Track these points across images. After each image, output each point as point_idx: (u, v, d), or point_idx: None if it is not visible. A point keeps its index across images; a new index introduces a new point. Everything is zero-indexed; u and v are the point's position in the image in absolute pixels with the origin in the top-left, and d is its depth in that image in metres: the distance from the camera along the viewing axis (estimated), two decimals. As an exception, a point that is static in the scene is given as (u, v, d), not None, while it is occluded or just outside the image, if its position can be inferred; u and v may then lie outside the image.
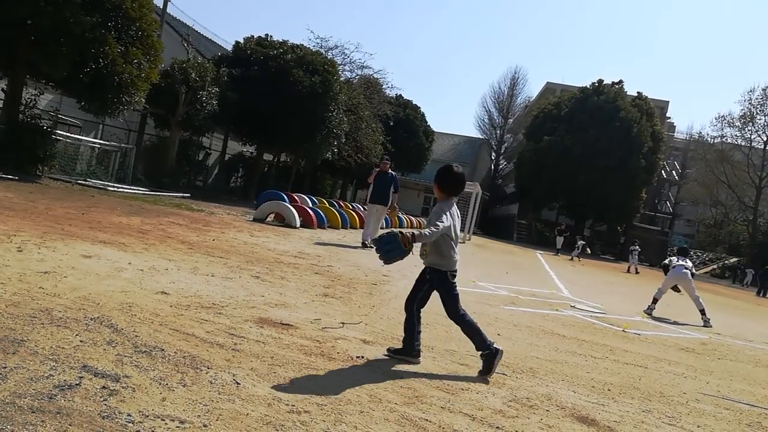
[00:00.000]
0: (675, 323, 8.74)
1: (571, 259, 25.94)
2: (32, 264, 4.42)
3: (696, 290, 9.43)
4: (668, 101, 55.23)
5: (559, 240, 28.89)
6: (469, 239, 22.93)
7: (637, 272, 24.92)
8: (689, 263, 9.82)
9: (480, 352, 3.67)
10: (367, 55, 62.91)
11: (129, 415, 2.21)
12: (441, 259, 3.71)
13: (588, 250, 28.59)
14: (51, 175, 13.56)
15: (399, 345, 3.80)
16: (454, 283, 3.76)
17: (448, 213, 3.65)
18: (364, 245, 11.23)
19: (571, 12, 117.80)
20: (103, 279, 4.40)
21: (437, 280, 3.74)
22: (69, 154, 15.72)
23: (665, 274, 9.86)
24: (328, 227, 14.79)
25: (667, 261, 10.32)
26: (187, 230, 8.70)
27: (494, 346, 3.64)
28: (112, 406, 2.26)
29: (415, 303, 3.80)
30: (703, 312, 9.11)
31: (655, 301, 9.35)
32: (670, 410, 3.72)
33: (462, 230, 23.00)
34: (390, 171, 11.81)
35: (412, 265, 10.18)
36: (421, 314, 3.83)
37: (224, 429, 2.25)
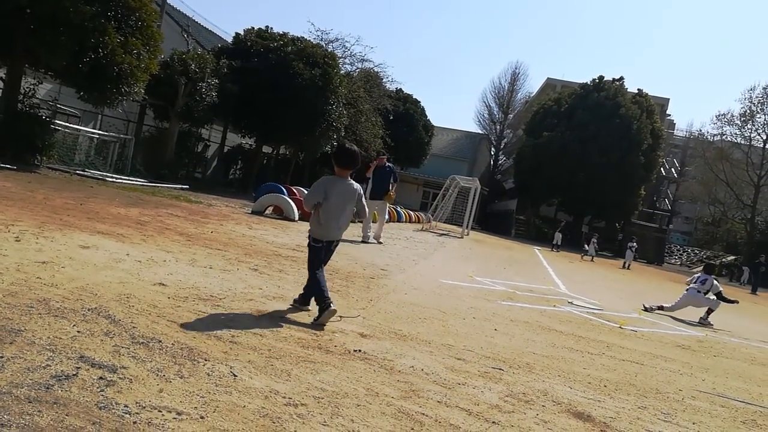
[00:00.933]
0: (672, 319, 8.76)
1: (582, 258, 25.96)
2: (30, 254, 4.42)
3: (711, 302, 9.26)
4: (668, 98, 55.16)
5: (558, 236, 28.66)
6: (468, 234, 22.93)
7: (627, 267, 24.98)
8: (708, 284, 9.30)
9: (318, 306, 4.12)
10: (368, 48, 62.80)
11: (126, 406, 2.21)
12: (311, 225, 4.38)
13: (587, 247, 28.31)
14: (49, 165, 13.52)
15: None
16: (316, 246, 4.31)
17: (323, 189, 4.23)
18: (364, 241, 11.24)
19: (572, 8, 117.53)
20: (100, 270, 4.39)
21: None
22: (68, 144, 15.68)
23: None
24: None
25: (689, 278, 10.03)
26: (185, 222, 8.69)
27: (331, 305, 4.09)
28: (109, 396, 2.26)
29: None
30: (709, 312, 9.06)
31: (661, 308, 9.22)
32: (666, 407, 3.73)
33: (461, 225, 23.10)
34: (388, 164, 11.85)
35: (411, 260, 10.19)
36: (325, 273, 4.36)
37: (221, 421, 2.25)
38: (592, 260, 25.63)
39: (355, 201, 4.38)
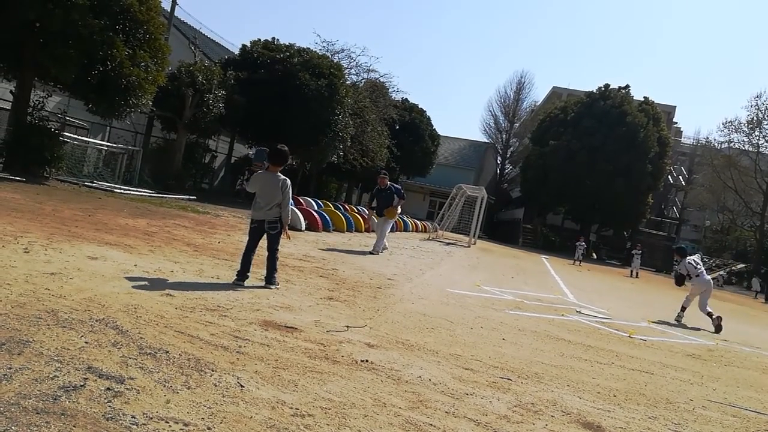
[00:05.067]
0: (682, 328, 8.68)
1: (573, 263, 25.76)
2: (38, 265, 4.44)
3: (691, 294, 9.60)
4: (675, 106, 54.92)
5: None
6: (474, 243, 22.87)
7: (635, 276, 24.76)
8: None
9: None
10: (373, 58, 62.94)
11: (133, 416, 2.21)
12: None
13: (584, 253, 27.79)
14: (58, 177, 13.62)
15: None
16: (252, 225, 5.62)
17: (255, 180, 5.57)
18: (372, 252, 11.22)
19: (577, 16, 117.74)
20: (108, 281, 4.41)
21: None
22: (76, 156, 15.80)
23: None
24: (333, 230, 14.80)
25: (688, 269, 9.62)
26: (192, 232, 8.73)
27: (238, 279, 5.39)
28: (116, 407, 2.26)
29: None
30: (683, 309, 9.32)
31: (683, 309, 9.41)
32: (677, 417, 3.69)
33: (468, 234, 23.05)
34: (390, 185, 11.72)
35: (418, 270, 10.16)
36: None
37: (228, 432, 2.25)
38: (579, 264, 25.36)
39: (280, 190, 5.48)
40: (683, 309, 9.39)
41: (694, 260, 9.68)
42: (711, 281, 9.66)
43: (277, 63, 20.81)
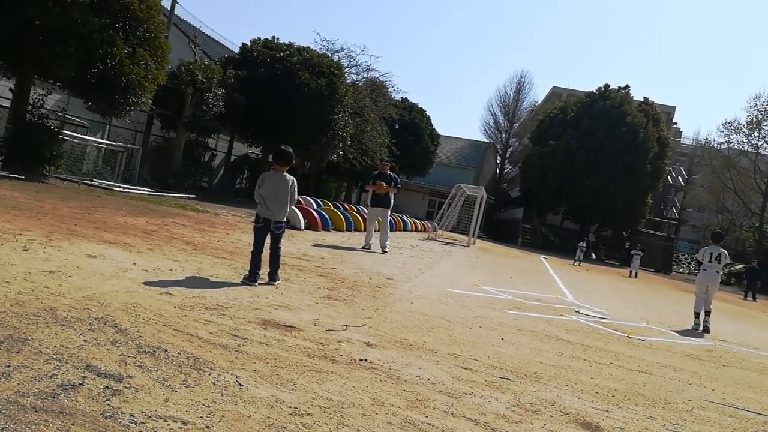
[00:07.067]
0: (678, 330, 8.69)
1: (574, 263, 25.77)
2: (37, 263, 4.44)
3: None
4: (675, 107, 54.91)
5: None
6: (474, 243, 22.87)
7: (634, 276, 24.76)
8: (723, 258, 9.12)
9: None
10: (373, 57, 63.18)
11: (132, 415, 2.21)
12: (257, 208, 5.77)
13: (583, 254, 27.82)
14: (57, 175, 13.62)
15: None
16: (258, 224, 5.76)
17: (261, 180, 5.71)
18: (364, 248, 11.31)
19: (577, 16, 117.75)
20: (107, 279, 4.41)
21: None
22: (76, 154, 15.82)
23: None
24: (333, 229, 14.80)
25: (699, 255, 9.46)
26: (191, 231, 8.72)
27: (250, 280, 5.38)
28: (114, 406, 2.26)
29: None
30: (708, 314, 8.93)
31: (707, 313, 9.00)
32: (675, 417, 3.69)
33: (467, 234, 23.07)
34: (390, 173, 11.85)
35: (417, 269, 10.14)
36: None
37: (226, 431, 2.25)
38: (579, 264, 25.41)
39: (287, 190, 5.65)
40: (697, 315, 8.99)
41: (711, 252, 9.16)
42: (712, 277, 9.12)
43: (277, 62, 20.81)
